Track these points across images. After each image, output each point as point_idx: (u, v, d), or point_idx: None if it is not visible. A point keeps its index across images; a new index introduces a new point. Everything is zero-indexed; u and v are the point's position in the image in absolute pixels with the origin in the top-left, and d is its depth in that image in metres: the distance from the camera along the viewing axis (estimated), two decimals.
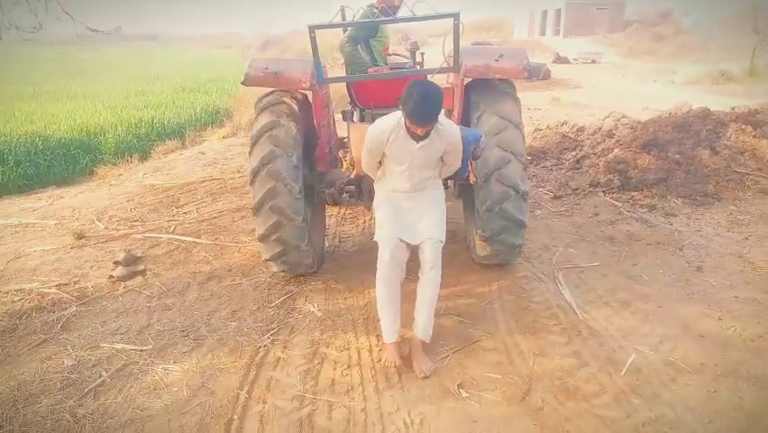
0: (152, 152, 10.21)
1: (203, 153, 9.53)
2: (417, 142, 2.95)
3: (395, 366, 3.07)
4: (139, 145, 10.37)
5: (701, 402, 2.75)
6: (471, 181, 3.56)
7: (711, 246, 4.57)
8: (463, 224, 4.80)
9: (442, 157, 3.14)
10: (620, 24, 39.50)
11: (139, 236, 5.51)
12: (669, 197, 5.65)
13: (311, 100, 4.07)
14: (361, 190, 4.18)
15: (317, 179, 4.35)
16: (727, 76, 19.36)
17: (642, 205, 5.55)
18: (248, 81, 3.84)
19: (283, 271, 4.16)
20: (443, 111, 4.35)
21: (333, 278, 4.34)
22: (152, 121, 11.58)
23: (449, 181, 4.08)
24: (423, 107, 2.76)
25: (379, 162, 3.20)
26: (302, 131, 3.88)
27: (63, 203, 7.12)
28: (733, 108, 8.04)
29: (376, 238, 3.15)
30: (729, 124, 6.51)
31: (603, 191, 5.90)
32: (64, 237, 5.61)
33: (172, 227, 5.73)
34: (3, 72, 25.05)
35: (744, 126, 6.46)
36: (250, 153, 3.81)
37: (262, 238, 3.84)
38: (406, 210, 3.21)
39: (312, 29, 3.64)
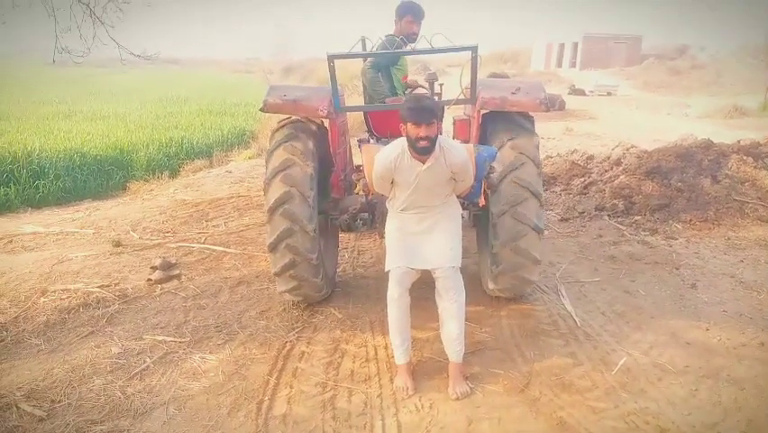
0: (182, 169, 10.77)
1: (230, 172, 10.03)
2: (423, 164, 3.02)
3: (407, 393, 3.14)
4: (169, 163, 10.95)
5: (683, 399, 3.06)
6: (481, 205, 3.63)
7: (707, 267, 4.88)
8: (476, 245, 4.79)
9: (453, 177, 3.16)
10: (637, 58, 40.05)
11: (172, 245, 5.94)
12: (670, 221, 5.98)
13: (328, 127, 4.18)
14: (375, 218, 4.25)
15: (331, 206, 4.38)
16: (741, 110, 19.62)
17: (644, 228, 5.88)
18: (266, 108, 3.90)
19: (297, 300, 4.24)
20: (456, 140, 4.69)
21: (352, 286, 4.72)
22: (181, 141, 12.18)
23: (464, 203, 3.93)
24: (419, 104, 2.94)
25: (392, 182, 3.22)
26: (317, 166, 3.91)
27: (99, 214, 7.62)
28: (738, 141, 8.37)
29: (386, 268, 3.24)
30: (731, 155, 6.84)
31: (608, 215, 6.24)
32: (102, 245, 6.06)
33: (203, 238, 6.15)
34: (40, 92, 26.13)
35: (745, 157, 6.79)
36: (265, 192, 3.84)
37: (278, 274, 3.92)
38: (418, 233, 3.23)
39: (331, 58, 3.73)
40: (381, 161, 3.13)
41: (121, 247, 5.94)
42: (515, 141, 3.83)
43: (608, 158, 8.18)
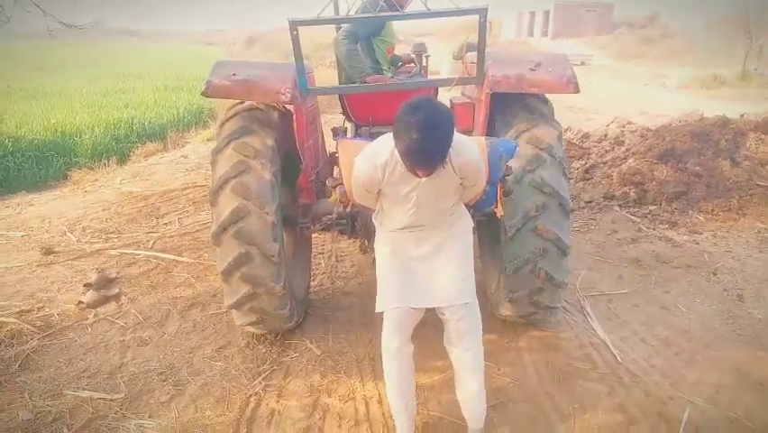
0: (132, 154, 9.63)
1: (185, 157, 8.99)
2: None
3: None
4: (117, 148, 9.77)
5: None
6: (499, 216, 2.65)
7: (746, 270, 4.19)
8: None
9: (461, 182, 2.30)
10: (608, 27, 39.41)
11: (114, 252, 5.00)
12: (690, 212, 5.27)
13: (293, 115, 3.27)
14: (356, 227, 3.47)
15: (300, 213, 3.58)
16: (720, 80, 19.23)
17: (662, 220, 5.16)
18: (210, 92, 3.02)
19: (261, 333, 3.45)
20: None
21: (331, 306, 3.88)
22: (132, 121, 10.94)
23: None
24: (422, 150, 1.97)
25: (379, 191, 2.37)
26: (279, 167, 3.12)
27: (33, 211, 6.56)
28: (742, 115, 7.75)
29: (378, 308, 2.42)
30: (748, 133, 6.15)
31: (619, 205, 5.50)
32: (31, 252, 5.08)
33: (151, 241, 5.22)
34: None
35: (763, 136, 6.10)
36: (211, 204, 3.01)
37: (234, 307, 3.13)
38: (417, 260, 2.42)
39: (294, 25, 2.90)
40: (365, 168, 2.25)
41: (52, 255, 4.97)
42: (532, 131, 3.02)
43: (605, 136, 7.42)
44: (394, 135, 2.03)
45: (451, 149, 2.08)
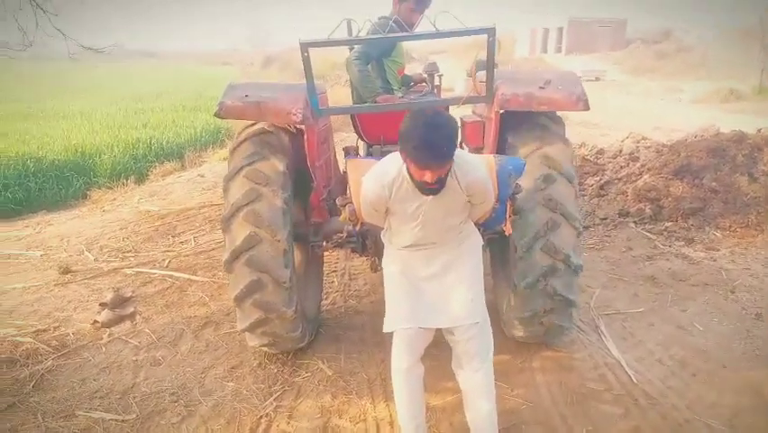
0: (150, 174, 9.76)
1: (202, 176, 9.09)
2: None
3: None
4: (136, 167, 9.89)
5: None
6: (507, 233, 2.70)
7: (765, 288, 4.11)
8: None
9: (469, 200, 2.31)
10: (622, 42, 39.33)
11: (130, 271, 5.06)
12: (707, 228, 5.20)
13: (305, 134, 3.26)
14: (366, 245, 3.47)
15: (312, 231, 3.60)
16: (736, 94, 19.03)
17: (678, 237, 5.10)
18: (223, 112, 3.05)
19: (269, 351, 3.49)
20: (467, 149, 3.84)
21: (343, 325, 3.87)
22: (150, 141, 11.08)
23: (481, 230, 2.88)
24: (432, 140, 1.97)
25: (387, 209, 2.38)
26: (291, 194, 3.15)
27: (52, 231, 6.67)
28: (759, 130, 7.64)
29: (386, 328, 2.42)
30: (765, 148, 6.06)
31: (634, 222, 5.45)
32: (49, 271, 5.16)
33: (167, 260, 5.27)
34: None
35: None
36: (224, 231, 3.04)
37: (247, 330, 3.17)
38: (426, 279, 2.41)
39: (305, 47, 2.92)
40: (372, 187, 2.27)
41: (69, 274, 5.04)
42: (543, 150, 3.02)
43: (621, 152, 7.38)
44: (401, 142, 2.05)
45: (457, 168, 2.11)
